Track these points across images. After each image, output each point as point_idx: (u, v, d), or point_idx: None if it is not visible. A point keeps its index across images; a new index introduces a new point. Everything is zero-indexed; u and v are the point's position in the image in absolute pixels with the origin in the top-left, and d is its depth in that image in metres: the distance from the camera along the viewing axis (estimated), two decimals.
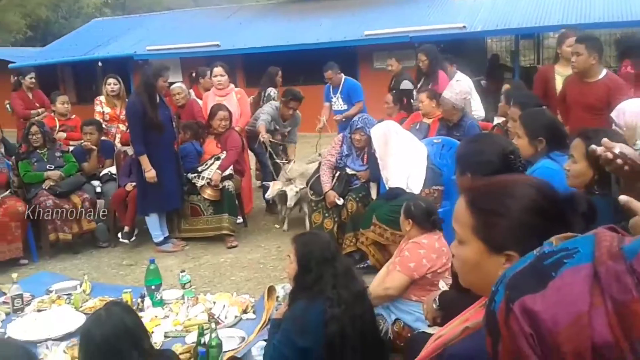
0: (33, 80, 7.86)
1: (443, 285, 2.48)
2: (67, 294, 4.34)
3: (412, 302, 3.22)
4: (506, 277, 0.95)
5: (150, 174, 5.34)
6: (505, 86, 5.36)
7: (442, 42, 13.41)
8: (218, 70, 6.34)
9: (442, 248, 3.25)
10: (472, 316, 1.49)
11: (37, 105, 7.74)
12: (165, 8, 27.65)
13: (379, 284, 3.33)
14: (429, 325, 2.38)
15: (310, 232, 3.36)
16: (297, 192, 5.68)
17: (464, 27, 11.98)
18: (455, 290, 2.13)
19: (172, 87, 6.76)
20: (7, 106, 8.25)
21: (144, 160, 5.37)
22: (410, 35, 11.91)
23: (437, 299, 2.22)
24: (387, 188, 4.58)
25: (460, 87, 5.30)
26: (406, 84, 7.06)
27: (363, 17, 13.75)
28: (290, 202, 5.70)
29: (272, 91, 7.22)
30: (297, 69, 11.65)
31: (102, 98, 6.82)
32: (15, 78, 8.31)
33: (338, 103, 7.16)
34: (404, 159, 4.49)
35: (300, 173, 5.96)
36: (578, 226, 1.23)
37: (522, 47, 15.05)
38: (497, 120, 5.47)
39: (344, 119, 6.77)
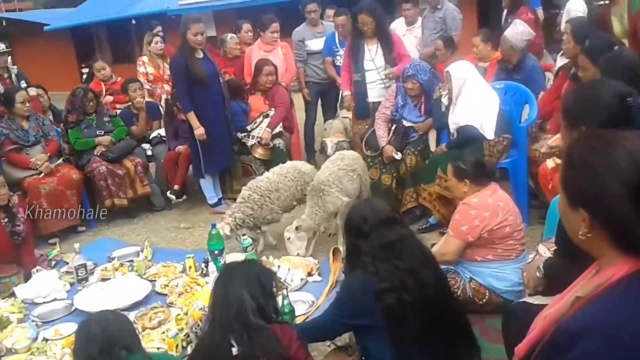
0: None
1: (544, 251, 2.33)
2: (129, 261, 4.33)
3: (478, 262, 3.10)
4: None
5: (199, 131, 5.25)
6: (566, 26, 4.91)
7: None
8: (276, 26, 6.17)
9: (498, 203, 3.09)
10: (583, 286, 1.36)
11: None
12: None
13: (437, 250, 3.23)
14: (529, 294, 2.23)
15: (364, 201, 3.22)
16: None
17: None
18: (560, 257, 1.97)
19: (225, 37, 6.63)
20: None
21: (192, 118, 5.26)
22: None
23: (541, 267, 2.07)
24: (453, 135, 4.39)
25: (524, 27, 4.98)
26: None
27: None
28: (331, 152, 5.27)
29: None
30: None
31: (145, 58, 6.70)
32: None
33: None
34: (479, 102, 4.28)
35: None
36: None
37: None
38: (561, 61, 5.14)
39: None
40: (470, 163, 3.15)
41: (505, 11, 6.71)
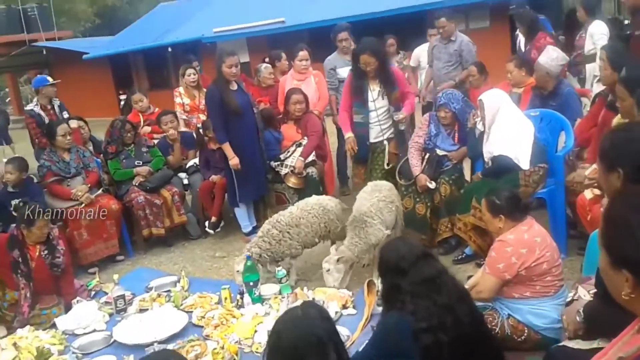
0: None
1: (584, 294, 2.28)
2: (166, 291, 4.41)
3: (516, 299, 3.04)
4: None
5: (234, 161, 5.32)
6: (602, 52, 4.77)
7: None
8: (304, 54, 6.25)
9: (535, 238, 3.02)
10: (626, 344, 1.33)
11: None
12: None
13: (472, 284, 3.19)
14: (569, 338, 2.19)
15: (396, 239, 3.23)
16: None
17: None
18: (600, 301, 1.93)
19: (260, 66, 6.74)
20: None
21: (227, 148, 5.35)
22: None
23: (580, 311, 2.03)
24: (488, 164, 4.35)
25: (557, 52, 4.94)
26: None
27: None
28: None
29: None
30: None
31: (181, 89, 6.86)
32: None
33: None
34: (513, 131, 4.23)
35: None
36: None
37: None
38: (597, 87, 5.06)
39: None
40: (505, 198, 3.11)
41: (519, 38, 6.69)
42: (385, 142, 5.09)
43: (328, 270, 4.06)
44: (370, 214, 4.15)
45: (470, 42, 6.49)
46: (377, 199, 4.26)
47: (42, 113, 6.46)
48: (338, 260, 4.04)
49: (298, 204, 4.68)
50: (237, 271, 4.21)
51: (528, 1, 7.52)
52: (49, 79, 6.63)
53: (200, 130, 6.26)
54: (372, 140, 5.13)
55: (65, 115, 6.59)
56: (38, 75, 6.99)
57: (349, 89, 5.17)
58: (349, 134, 5.14)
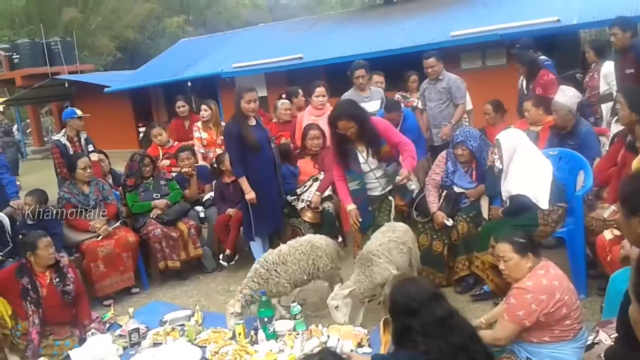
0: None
1: (605, 339, 2.23)
2: (180, 325, 4.39)
3: (535, 344, 2.99)
4: None
5: (250, 195, 5.34)
6: (618, 94, 4.63)
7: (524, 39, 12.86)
8: (321, 90, 6.34)
9: (553, 282, 2.96)
10: None
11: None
12: (243, 22, 28.39)
13: (491, 333, 3.13)
14: None
15: (405, 279, 3.19)
16: None
17: (558, 20, 11.34)
18: (622, 346, 1.89)
19: (277, 102, 6.83)
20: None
21: (243, 182, 5.37)
22: (499, 33, 11.44)
23: (602, 356, 1.99)
24: (506, 202, 4.32)
25: (572, 90, 4.95)
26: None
27: (447, 18, 13.36)
28: None
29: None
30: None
31: (199, 124, 6.96)
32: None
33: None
34: (531, 170, 4.21)
35: None
36: None
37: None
38: (615, 127, 5.04)
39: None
40: (525, 235, 3.10)
41: (521, 79, 6.71)
42: (390, 198, 4.72)
43: (337, 307, 3.98)
44: (377, 253, 4.06)
45: (458, 79, 6.53)
46: (387, 239, 4.17)
47: (67, 144, 6.54)
48: (348, 294, 3.99)
49: (289, 242, 4.58)
50: (231, 314, 4.13)
51: (536, 41, 7.58)
52: (78, 112, 6.73)
53: (215, 164, 6.32)
54: (375, 194, 4.70)
55: (90, 148, 6.68)
56: (67, 108, 7.10)
57: (336, 157, 4.72)
58: (350, 206, 4.62)
